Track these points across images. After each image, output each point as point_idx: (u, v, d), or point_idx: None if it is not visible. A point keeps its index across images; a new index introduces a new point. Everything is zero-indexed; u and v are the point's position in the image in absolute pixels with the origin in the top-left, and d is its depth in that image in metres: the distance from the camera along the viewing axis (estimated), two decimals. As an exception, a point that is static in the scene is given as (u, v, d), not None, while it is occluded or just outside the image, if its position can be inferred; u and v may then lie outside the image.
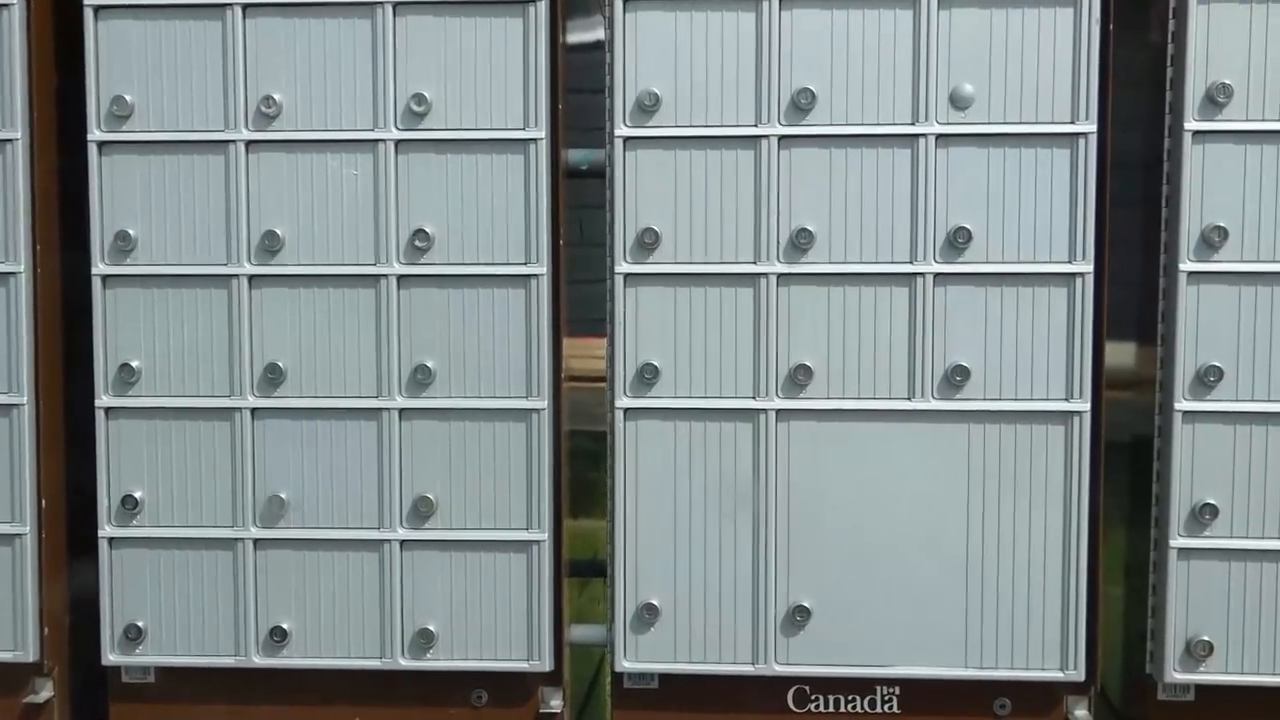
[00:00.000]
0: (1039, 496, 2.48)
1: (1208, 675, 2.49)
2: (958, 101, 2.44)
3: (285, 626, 2.59)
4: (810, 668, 2.54)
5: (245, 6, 2.48)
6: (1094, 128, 2.42)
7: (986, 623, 2.51)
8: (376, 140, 2.50)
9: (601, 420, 2.53)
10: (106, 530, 2.58)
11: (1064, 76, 2.42)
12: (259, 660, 2.59)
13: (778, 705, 2.56)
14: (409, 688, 2.61)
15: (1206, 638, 2.49)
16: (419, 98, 2.48)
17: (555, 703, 2.60)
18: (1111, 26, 2.43)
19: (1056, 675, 2.52)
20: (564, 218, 2.54)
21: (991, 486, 2.49)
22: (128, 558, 2.58)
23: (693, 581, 2.53)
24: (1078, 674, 2.51)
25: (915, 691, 2.56)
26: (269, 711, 2.62)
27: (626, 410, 2.52)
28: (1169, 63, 2.42)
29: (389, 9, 2.47)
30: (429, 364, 2.54)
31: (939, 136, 2.44)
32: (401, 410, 2.55)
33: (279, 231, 2.52)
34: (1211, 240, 2.43)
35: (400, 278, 2.53)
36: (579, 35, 2.60)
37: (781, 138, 2.47)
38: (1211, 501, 2.47)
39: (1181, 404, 2.46)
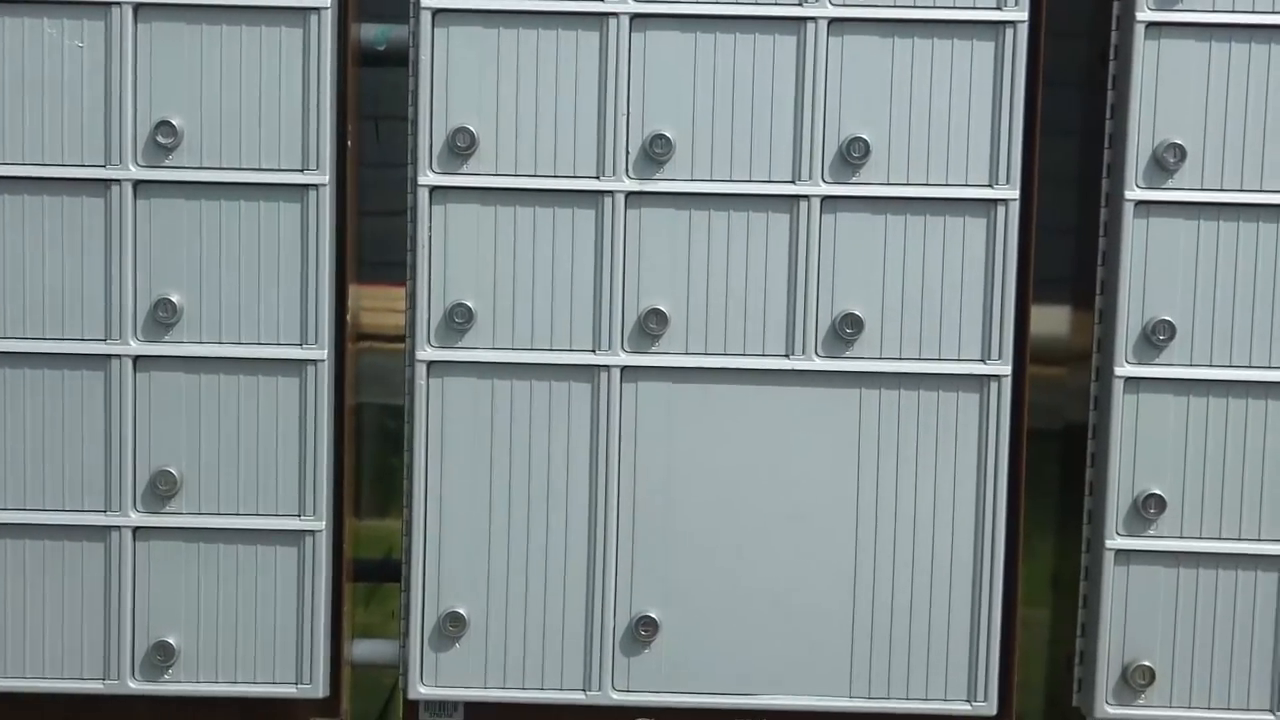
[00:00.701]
0: (946, 483, 2.41)
1: (1148, 709, 2.43)
2: (854, -24, 2.36)
3: (-23, 637, 2.48)
4: (657, 695, 2.46)
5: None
6: (1024, 15, 2.32)
7: (878, 641, 2.43)
8: (109, 3, 2.34)
9: (401, 392, 2.44)
10: None
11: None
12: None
13: (614, 742, 2.54)
14: (140, 717, 2.50)
15: (1147, 663, 2.41)
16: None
17: (331, 739, 2.55)
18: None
19: (963, 708, 2.44)
20: (354, 114, 2.43)
21: (887, 468, 2.42)
22: None
23: (510, 585, 2.45)
24: (988, 706, 2.44)
25: (788, 727, 2.51)
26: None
27: (430, 364, 2.41)
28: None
29: None
30: (173, 299, 2.39)
31: (833, 21, 2.34)
32: (137, 358, 2.40)
33: (-24, 120, 2.40)
34: (1165, 162, 2.34)
35: (138, 184, 2.38)
36: None
37: (635, 16, 2.35)
38: (1157, 492, 2.39)
39: (1123, 368, 2.38)
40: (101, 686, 2.42)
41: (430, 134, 2.37)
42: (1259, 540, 2.39)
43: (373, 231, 2.51)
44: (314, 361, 2.38)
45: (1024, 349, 2.41)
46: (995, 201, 2.35)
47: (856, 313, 2.37)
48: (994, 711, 2.43)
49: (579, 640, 2.43)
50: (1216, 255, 2.36)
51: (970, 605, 2.41)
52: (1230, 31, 2.32)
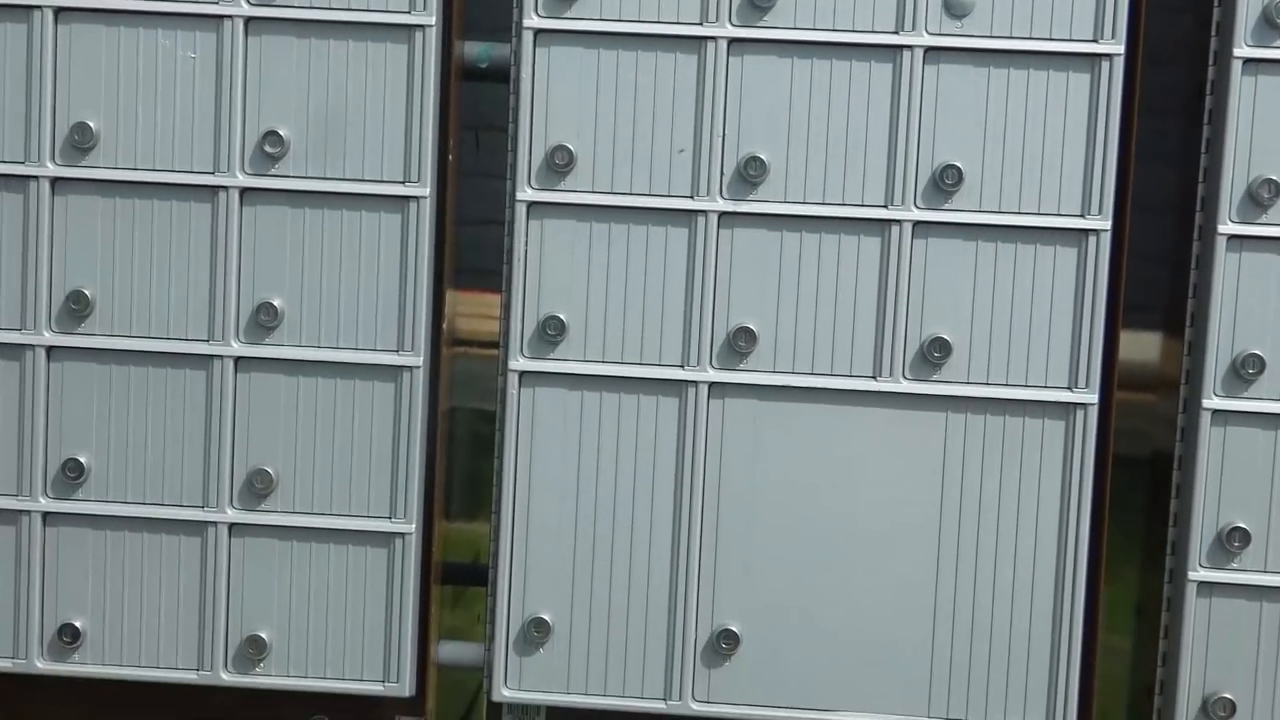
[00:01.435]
0: (1029, 508, 2.38)
1: (1228, 742, 2.43)
2: (953, 8, 2.30)
3: (78, 625, 2.46)
4: (735, 707, 2.43)
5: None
6: (1121, 48, 2.29)
7: (957, 662, 2.40)
8: (221, 16, 2.36)
9: (494, 397, 2.43)
10: None
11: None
12: (42, 665, 2.47)
13: (692, 751, 2.51)
14: (231, 708, 2.51)
15: (1228, 695, 2.38)
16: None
17: (415, 737, 2.54)
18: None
19: (1041, 732, 2.46)
20: (456, 128, 2.42)
21: (971, 493, 2.39)
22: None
23: (594, 593, 2.43)
24: (1067, 732, 2.45)
25: (865, 742, 2.50)
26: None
27: (522, 374, 2.40)
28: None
29: None
30: (275, 303, 2.40)
31: (929, 50, 2.31)
32: (238, 360, 2.41)
33: (91, 124, 2.38)
34: (1259, 197, 2.30)
35: (244, 191, 2.39)
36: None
37: (733, 40, 2.34)
38: (1242, 525, 2.35)
39: (1211, 401, 2.35)
40: (195, 677, 2.44)
41: (529, 151, 2.37)
42: (1343, 577, 2.36)
43: (470, 238, 2.50)
44: (410, 368, 2.38)
45: (1111, 378, 2.38)
46: (1087, 232, 2.32)
47: (945, 337, 2.35)
48: (1072, 737, 2.44)
49: (660, 650, 2.42)
50: (1309, 290, 2.35)
51: (1050, 631, 2.39)
52: (1331, 65, 2.31)
